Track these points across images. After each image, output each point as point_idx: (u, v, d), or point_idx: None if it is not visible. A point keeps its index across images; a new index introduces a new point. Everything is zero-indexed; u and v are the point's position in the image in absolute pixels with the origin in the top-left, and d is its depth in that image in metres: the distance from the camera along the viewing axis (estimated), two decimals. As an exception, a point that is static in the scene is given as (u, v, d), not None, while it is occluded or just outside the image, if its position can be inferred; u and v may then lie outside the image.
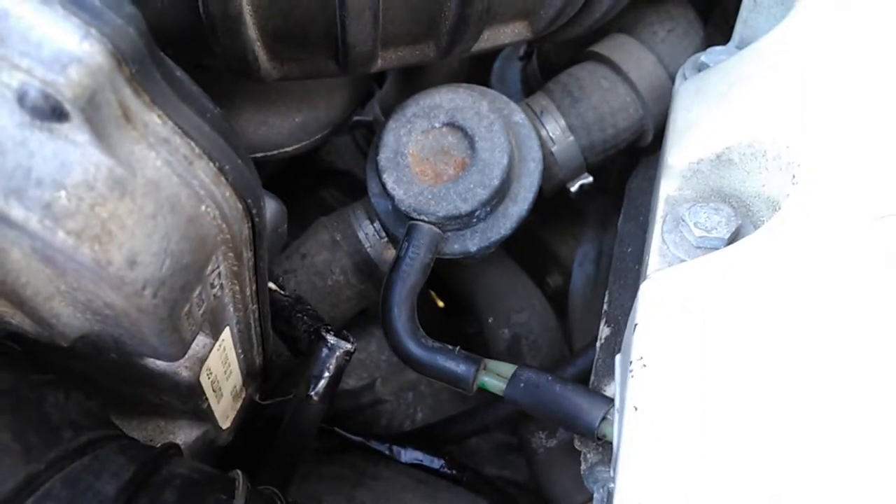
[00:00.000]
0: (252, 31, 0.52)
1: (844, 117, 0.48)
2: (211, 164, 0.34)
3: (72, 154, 0.30)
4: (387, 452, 0.84)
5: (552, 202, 0.82)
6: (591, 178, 0.75)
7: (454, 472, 0.83)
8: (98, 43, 0.28)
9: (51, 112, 0.28)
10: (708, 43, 0.79)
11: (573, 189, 0.76)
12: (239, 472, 0.42)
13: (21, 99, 0.28)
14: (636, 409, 0.46)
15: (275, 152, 0.69)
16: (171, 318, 0.36)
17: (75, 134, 0.29)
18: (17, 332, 0.42)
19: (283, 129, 0.69)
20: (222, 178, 0.35)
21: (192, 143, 0.33)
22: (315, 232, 0.75)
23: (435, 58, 0.61)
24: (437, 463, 0.84)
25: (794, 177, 0.47)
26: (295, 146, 0.70)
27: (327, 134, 0.71)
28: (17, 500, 0.33)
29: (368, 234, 0.73)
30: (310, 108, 0.69)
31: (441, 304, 1.06)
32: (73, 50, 0.28)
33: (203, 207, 0.35)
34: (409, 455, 0.84)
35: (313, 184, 0.94)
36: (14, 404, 0.36)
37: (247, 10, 0.50)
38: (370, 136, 0.96)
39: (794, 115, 0.50)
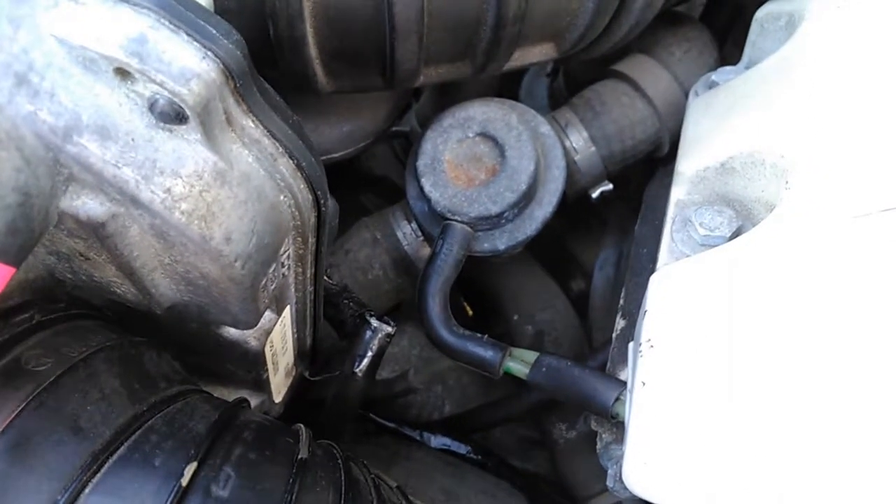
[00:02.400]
0: (312, 50, 0.60)
1: (833, 131, 0.54)
2: (291, 161, 0.42)
3: (186, 150, 0.37)
4: (417, 438, 0.91)
5: (576, 211, 0.89)
6: (611, 186, 0.82)
7: (480, 457, 0.90)
8: (213, 62, 0.36)
9: (174, 116, 0.36)
10: (725, 59, 0.86)
11: (594, 195, 0.82)
12: (301, 425, 0.50)
13: (152, 106, 0.36)
14: (644, 384, 0.53)
15: (323, 158, 0.77)
16: (252, 289, 0.44)
17: (190, 134, 0.37)
18: (116, 301, 0.50)
19: (332, 137, 0.77)
20: (299, 173, 0.42)
21: (277, 144, 0.41)
22: (357, 231, 0.83)
23: (470, 75, 0.68)
24: (463, 448, 0.91)
25: (787, 182, 0.54)
26: (342, 152, 0.78)
27: (371, 142, 0.79)
28: (128, 433, 0.40)
29: (406, 233, 0.81)
30: (356, 118, 0.77)
31: (471, 312, 1.12)
32: (195, 68, 0.35)
33: (282, 197, 0.43)
34: (438, 441, 0.91)
35: (353, 188, 1.02)
36: (121, 358, 0.44)
37: (309, 32, 0.58)
38: (406, 145, 1.04)
39: (788, 128, 0.57)
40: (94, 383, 0.41)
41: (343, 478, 0.45)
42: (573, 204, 0.85)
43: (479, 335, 0.71)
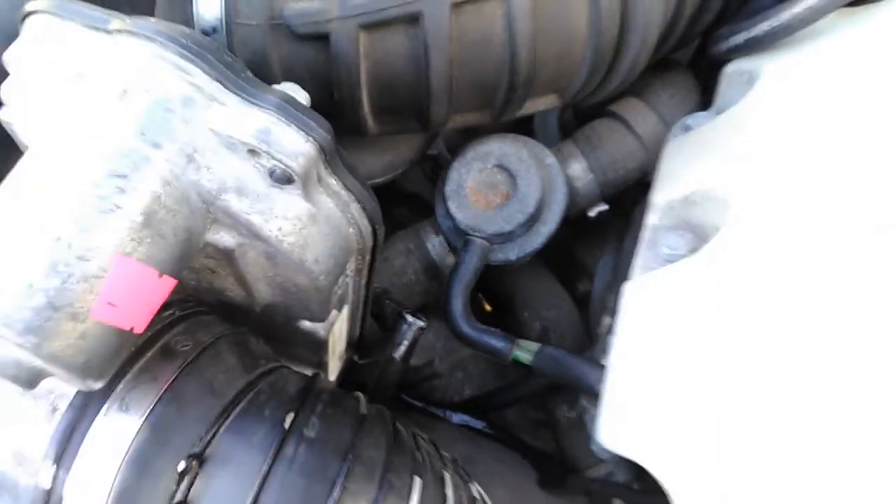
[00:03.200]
0: (366, 108, 0.78)
1: (769, 175, 0.71)
2: (358, 205, 0.60)
3: (292, 202, 0.56)
4: (441, 415, 1.09)
5: (583, 224, 1.06)
6: (606, 206, 1.00)
7: (493, 432, 1.08)
8: (313, 144, 0.54)
9: (286, 180, 0.54)
10: (708, 98, 1.02)
11: (592, 214, 1.00)
12: (360, 392, 0.68)
13: (271, 173, 0.54)
14: (614, 365, 0.70)
15: (369, 182, 0.95)
16: (328, 294, 0.62)
17: (294, 191, 0.55)
18: (224, 301, 0.68)
19: (375, 166, 0.95)
20: (364, 213, 0.60)
21: (350, 194, 0.59)
22: (394, 242, 1.01)
23: (489, 121, 0.86)
24: (479, 424, 1.09)
25: (728, 214, 0.71)
26: (383, 178, 0.96)
27: (407, 169, 0.97)
28: (245, 394, 0.59)
29: (434, 244, 0.99)
30: (395, 150, 0.95)
31: (489, 308, 1.30)
32: (301, 149, 0.54)
33: (351, 230, 0.61)
34: (458, 418, 1.09)
35: (389, 203, 1.20)
36: (235, 342, 0.63)
37: (364, 95, 0.76)
38: (436, 167, 1.22)
39: (735, 171, 0.73)
40: (220, 360, 0.60)
41: (392, 429, 0.63)
42: (579, 219, 1.03)
43: (493, 329, 0.89)
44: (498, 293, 1.20)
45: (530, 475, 1.03)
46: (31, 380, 0.49)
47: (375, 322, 0.88)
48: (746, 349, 0.64)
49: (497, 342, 0.88)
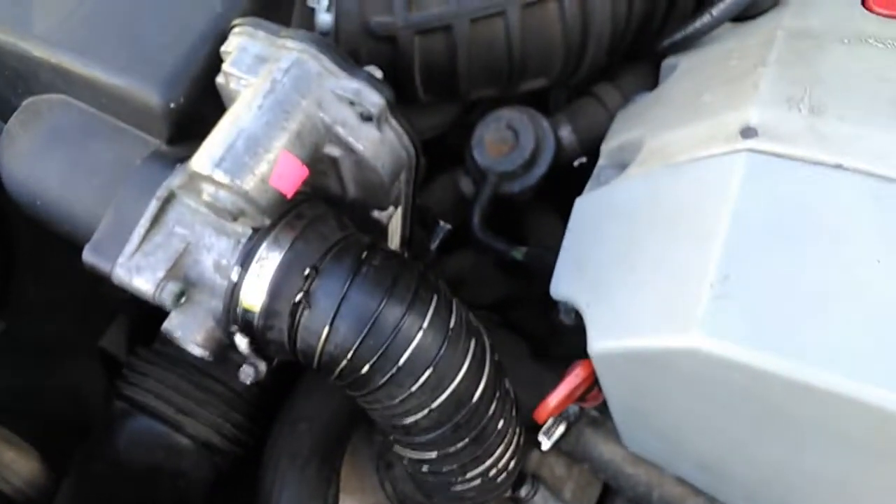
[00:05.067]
0: (418, 83, 1.26)
1: (667, 126, 1.15)
2: (407, 137, 1.08)
3: (371, 131, 1.04)
4: (467, 309, 1.57)
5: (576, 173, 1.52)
6: (585, 159, 1.46)
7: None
8: (383, 100, 1.02)
9: (368, 119, 1.03)
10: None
11: (575, 164, 1.46)
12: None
13: (360, 115, 1.03)
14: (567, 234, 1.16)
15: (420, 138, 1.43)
16: (390, 188, 1.11)
17: (372, 125, 1.04)
18: (325, 196, 1.17)
19: (423, 125, 1.43)
20: (410, 142, 1.09)
21: (402, 129, 1.07)
22: (436, 180, 1.50)
23: (499, 94, 1.33)
24: (495, 319, 1.56)
25: (639, 154, 1.16)
26: (429, 135, 1.44)
27: (448, 128, 1.46)
28: (339, 242, 1.07)
29: (464, 182, 1.47)
30: (440, 114, 1.44)
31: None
32: (377, 101, 1.02)
33: (403, 151, 1.09)
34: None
35: (437, 156, 1.68)
36: (334, 215, 1.11)
37: (417, 76, 1.24)
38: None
39: (649, 125, 1.18)
40: (327, 222, 1.09)
41: (423, 269, 1.11)
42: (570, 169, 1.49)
43: (500, 237, 1.36)
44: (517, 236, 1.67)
45: (525, 350, 1.50)
46: (235, 215, 0.99)
47: (420, 226, 1.37)
48: (642, 221, 1.09)
49: (500, 245, 1.36)
